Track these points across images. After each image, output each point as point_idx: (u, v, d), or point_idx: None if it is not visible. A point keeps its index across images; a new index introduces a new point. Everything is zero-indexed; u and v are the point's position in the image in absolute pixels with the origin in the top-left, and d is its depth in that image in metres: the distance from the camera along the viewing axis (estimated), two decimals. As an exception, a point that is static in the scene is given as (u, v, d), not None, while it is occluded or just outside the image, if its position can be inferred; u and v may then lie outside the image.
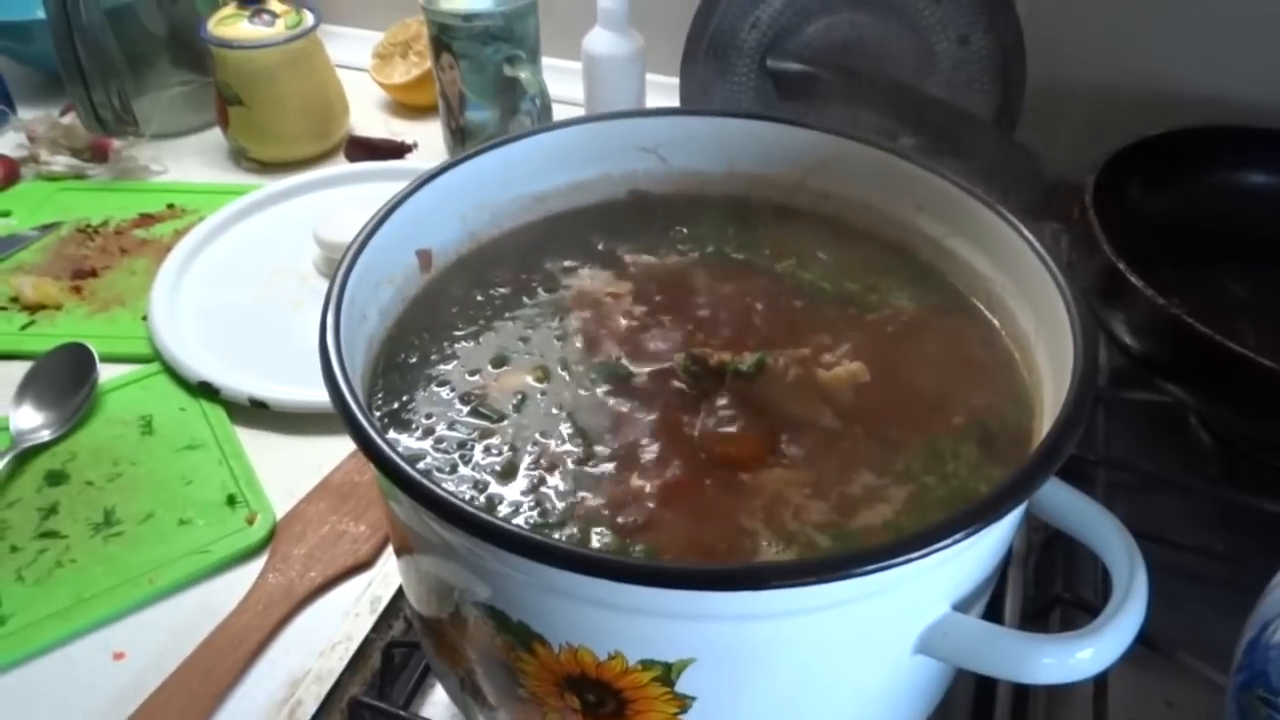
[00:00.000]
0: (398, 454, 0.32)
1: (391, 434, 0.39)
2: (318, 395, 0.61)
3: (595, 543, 0.34)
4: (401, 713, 0.46)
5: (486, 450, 0.38)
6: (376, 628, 0.51)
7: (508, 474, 0.37)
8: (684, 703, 0.33)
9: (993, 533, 0.33)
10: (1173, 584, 0.53)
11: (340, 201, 0.80)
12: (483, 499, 0.36)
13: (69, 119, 0.91)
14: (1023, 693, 0.48)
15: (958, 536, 0.29)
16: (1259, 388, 0.50)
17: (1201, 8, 0.74)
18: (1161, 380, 0.58)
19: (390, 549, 0.55)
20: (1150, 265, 0.54)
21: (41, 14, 0.86)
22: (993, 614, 0.52)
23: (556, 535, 0.34)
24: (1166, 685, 0.50)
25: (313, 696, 0.48)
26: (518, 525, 0.31)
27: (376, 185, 0.83)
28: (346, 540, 0.56)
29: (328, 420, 0.62)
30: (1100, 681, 0.47)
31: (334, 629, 0.51)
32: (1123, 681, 0.49)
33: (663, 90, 0.86)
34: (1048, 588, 0.53)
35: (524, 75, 0.80)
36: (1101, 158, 0.63)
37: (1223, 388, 0.53)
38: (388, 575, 0.54)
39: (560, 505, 0.36)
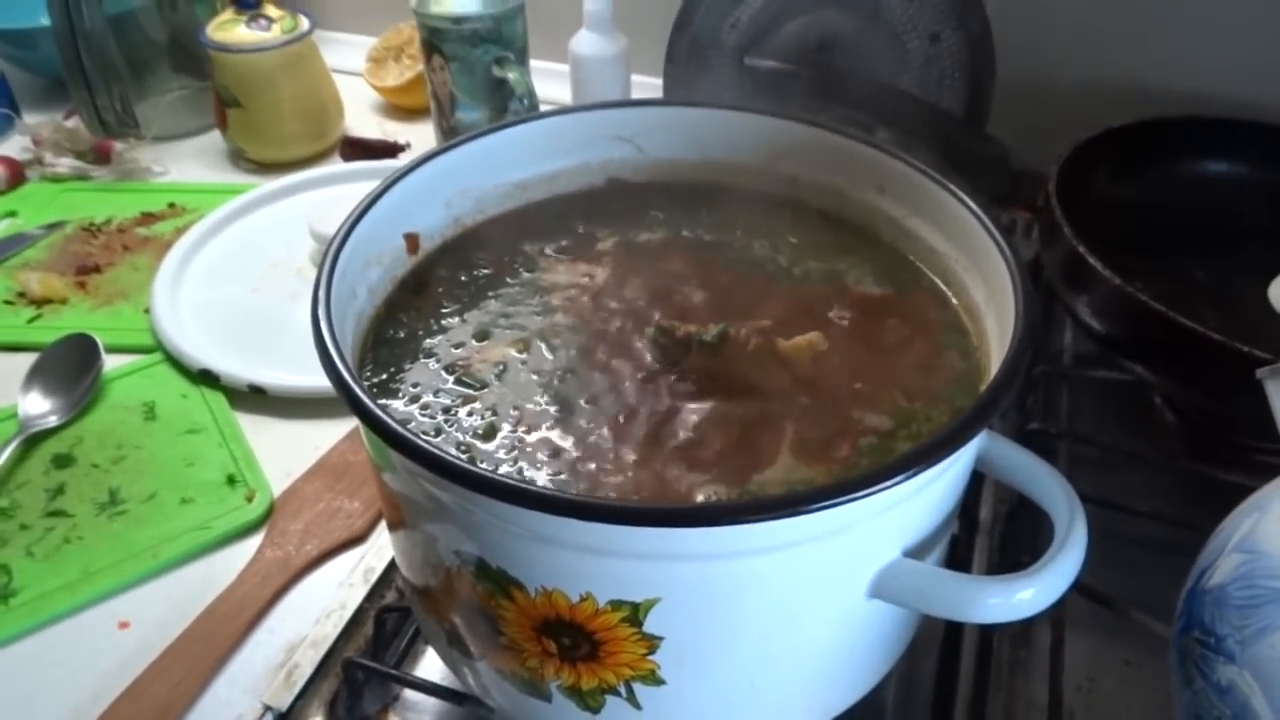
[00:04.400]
0: (385, 411, 0.34)
1: (380, 402, 0.41)
2: (313, 380, 0.65)
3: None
4: (393, 672, 0.49)
5: (469, 414, 0.40)
6: (369, 596, 0.53)
7: (488, 435, 0.39)
8: (652, 643, 0.35)
9: (936, 480, 0.35)
10: (1133, 551, 0.55)
11: (335, 198, 0.82)
12: (464, 458, 0.38)
13: (72, 122, 0.94)
14: (985, 658, 0.51)
15: (898, 479, 0.31)
16: (1212, 362, 0.51)
17: (1164, 5, 0.76)
18: (1123, 359, 0.60)
19: (383, 524, 0.58)
20: (1115, 252, 0.56)
21: (46, 21, 0.89)
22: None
23: (532, 488, 0.37)
24: (1126, 646, 0.52)
25: (309, 660, 0.50)
26: (493, 472, 0.33)
27: (370, 184, 0.83)
28: (341, 516, 0.58)
29: (323, 404, 0.65)
30: (1057, 642, 0.50)
31: (329, 598, 0.53)
32: (1083, 643, 0.51)
33: (647, 90, 0.89)
34: (1012, 555, 0.56)
35: (512, 76, 0.83)
36: (1066, 148, 0.65)
37: (1179, 364, 0.55)
38: (381, 548, 0.56)
39: (536, 462, 0.38)
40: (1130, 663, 0.52)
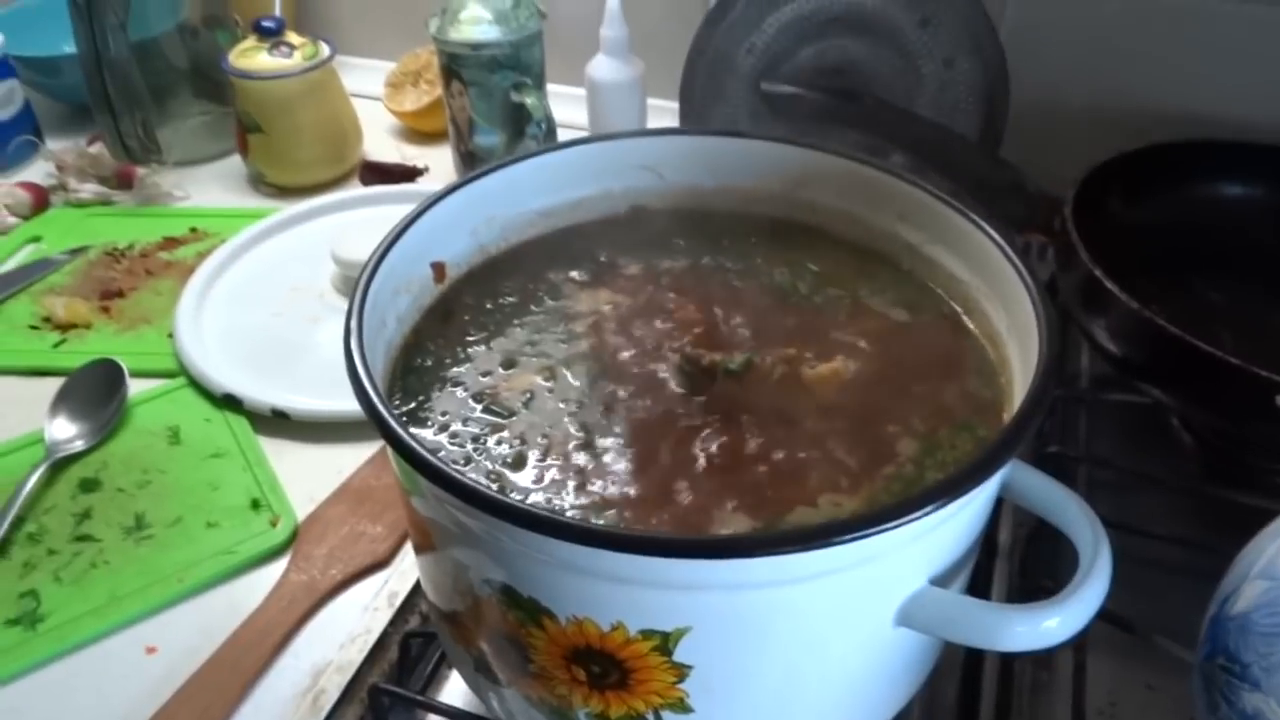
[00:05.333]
0: (418, 442, 0.35)
1: (410, 431, 0.42)
2: (336, 405, 0.65)
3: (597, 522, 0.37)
4: (419, 697, 0.49)
5: (498, 443, 0.41)
6: (394, 621, 0.54)
7: (518, 465, 0.40)
8: (682, 671, 0.36)
9: (962, 510, 0.35)
10: (1154, 575, 0.55)
11: (356, 222, 0.83)
12: (495, 488, 0.39)
13: (96, 148, 0.95)
14: (1007, 681, 0.51)
15: (927, 510, 0.32)
16: (1230, 385, 0.52)
17: (1176, 30, 0.77)
18: (1140, 382, 0.60)
19: (407, 547, 0.58)
20: (1131, 275, 0.56)
21: (70, 49, 0.90)
22: (979, 602, 0.54)
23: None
24: (1147, 670, 0.52)
25: (334, 685, 0.50)
26: (526, 503, 0.34)
27: (389, 208, 0.86)
28: (365, 540, 0.59)
29: (346, 428, 0.65)
30: (1079, 665, 0.50)
31: (354, 623, 0.54)
32: (1105, 667, 0.52)
33: (663, 114, 0.90)
34: (1033, 580, 0.56)
35: (530, 101, 0.83)
36: (1081, 172, 0.66)
37: (1195, 386, 0.55)
38: (405, 572, 0.56)
39: (566, 491, 0.39)
40: (1152, 687, 0.52)
